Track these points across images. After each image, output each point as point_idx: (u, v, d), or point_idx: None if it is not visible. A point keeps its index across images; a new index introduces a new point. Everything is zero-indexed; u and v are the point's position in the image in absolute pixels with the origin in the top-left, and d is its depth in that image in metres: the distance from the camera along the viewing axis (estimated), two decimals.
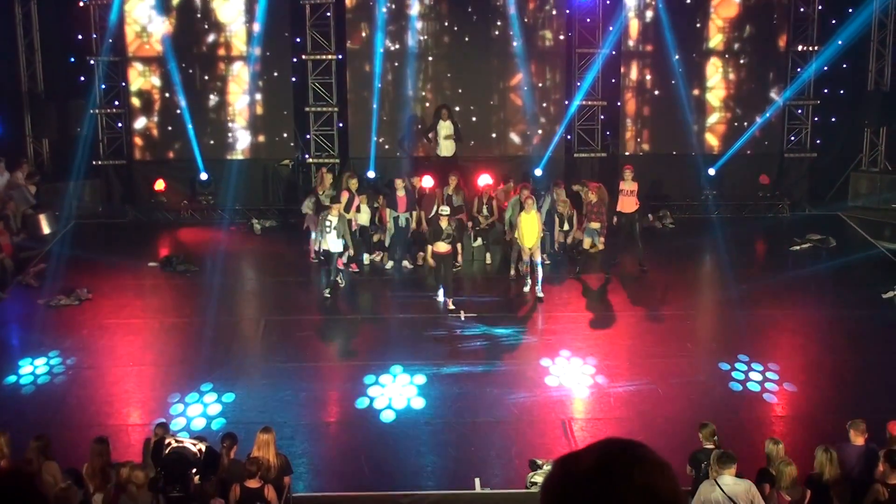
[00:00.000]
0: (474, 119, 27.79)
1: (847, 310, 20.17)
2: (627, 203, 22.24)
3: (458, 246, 20.54)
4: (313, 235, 22.94)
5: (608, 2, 27.26)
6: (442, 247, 19.97)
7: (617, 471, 2.54)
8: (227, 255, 23.34)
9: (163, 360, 18.26)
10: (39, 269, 22.33)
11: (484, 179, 24.77)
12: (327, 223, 20.17)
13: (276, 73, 27.72)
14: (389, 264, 22.94)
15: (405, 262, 22.86)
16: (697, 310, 21.15)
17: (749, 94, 28.24)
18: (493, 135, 28.09)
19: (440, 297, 20.18)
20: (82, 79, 27.43)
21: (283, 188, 27.64)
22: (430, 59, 27.80)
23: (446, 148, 25.74)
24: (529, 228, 20.36)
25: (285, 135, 27.99)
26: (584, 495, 2.52)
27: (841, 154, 28.46)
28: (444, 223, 20.07)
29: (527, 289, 20.83)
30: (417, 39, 27.41)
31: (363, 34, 27.33)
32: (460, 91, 27.73)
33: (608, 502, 2.50)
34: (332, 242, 20.13)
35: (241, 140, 27.94)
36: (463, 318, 18.68)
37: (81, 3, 26.97)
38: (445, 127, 25.62)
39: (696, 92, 27.92)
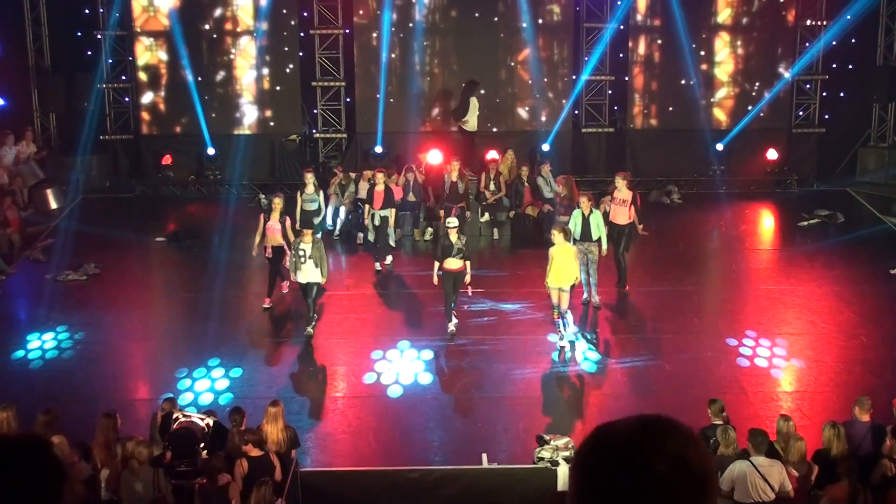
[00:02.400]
0: (482, 94, 27.68)
1: (855, 285, 20.13)
2: (618, 213, 19.64)
3: (468, 264, 17.63)
4: (329, 211, 22.92)
5: None
6: (453, 263, 17.55)
7: (650, 440, 2.59)
8: (234, 229, 23.31)
9: (170, 335, 18.32)
10: (47, 244, 22.37)
11: (491, 154, 24.79)
12: (301, 251, 17.43)
13: (283, 48, 27.67)
14: (378, 266, 21.28)
15: (389, 259, 21.41)
16: (705, 285, 21.14)
17: (757, 69, 28.15)
18: (502, 109, 28.06)
19: (452, 326, 17.84)
20: (89, 53, 27.39)
21: (290, 163, 27.60)
22: (438, 33, 27.72)
23: (476, 124, 25.63)
24: (561, 264, 16.94)
25: (290, 109, 27.97)
26: (616, 461, 2.57)
27: (849, 129, 28.37)
28: (453, 237, 17.59)
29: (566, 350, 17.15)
30: (425, 13, 27.32)
31: (370, 8, 27.24)
32: (468, 66, 27.62)
33: (639, 469, 2.54)
34: (311, 273, 17.49)
35: (248, 115, 27.91)
36: (470, 294, 18.66)
37: None
38: (475, 103, 25.44)
39: (704, 67, 27.83)
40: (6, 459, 2.97)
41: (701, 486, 2.57)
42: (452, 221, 17.92)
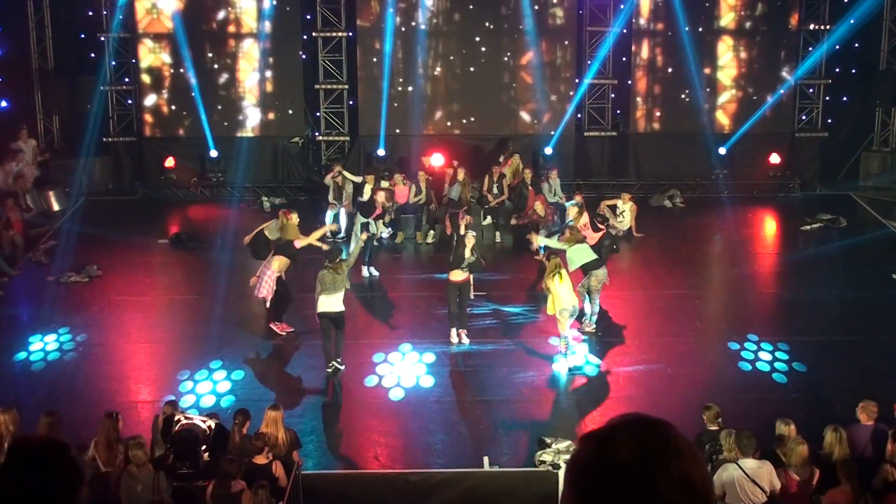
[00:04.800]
0: (484, 97, 27.75)
1: (857, 290, 20.11)
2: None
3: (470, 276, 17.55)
4: (329, 214, 22.96)
5: None
6: (458, 275, 17.29)
7: (655, 462, 2.53)
8: (237, 232, 23.32)
9: (172, 337, 18.29)
10: (49, 246, 22.40)
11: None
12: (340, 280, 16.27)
13: (286, 50, 27.70)
14: (365, 271, 20.80)
15: (373, 270, 21.07)
16: (707, 289, 21.13)
17: (760, 73, 28.15)
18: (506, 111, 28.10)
19: (454, 338, 17.55)
20: (93, 55, 27.47)
21: (293, 166, 27.63)
22: (441, 36, 27.74)
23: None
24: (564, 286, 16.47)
25: (293, 112, 27.99)
26: (621, 485, 2.52)
27: (852, 133, 28.40)
28: (468, 251, 17.19)
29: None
30: (428, 16, 27.36)
31: (374, 11, 27.28)
32: (471, 69, 27.67)
33: (644, 493, 2.50)
34: (339, 301, 16.38)
35: (251, 117, 27.94)
36: (473, 297, 18.64)
37: None
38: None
39: (707, 71, 27.84)
40: (30, 463, 3.17)
41: (689, 454, 2.56)
42: (471, 238, 17.41)
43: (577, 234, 18.01)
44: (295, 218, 18.62)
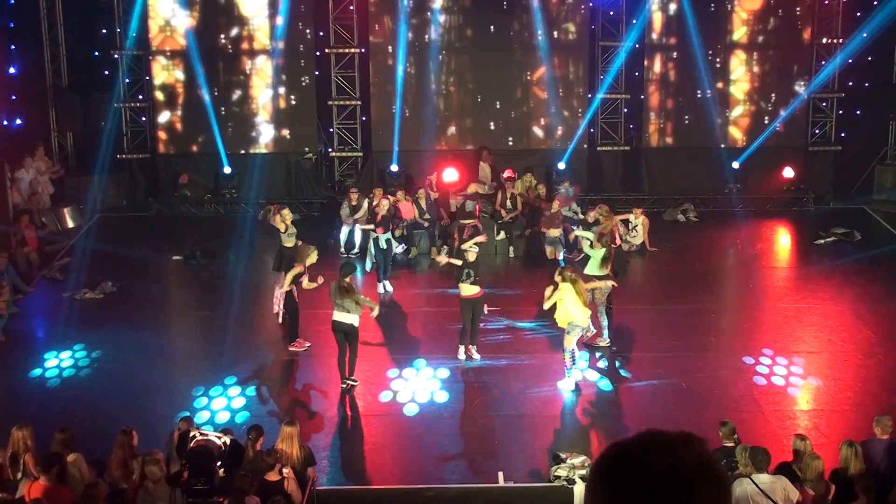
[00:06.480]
0: (497, 112, 27.78)
1: (872, 304, 20.06)
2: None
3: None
4: (343, 230, 23.05)
5: None
6: (470, 289, 17.18)
7: (677, 441, 2.68)
8: (251, 248, 23.38)
9: (187, 354, 18.34)
10: (64, 263, 22.46)
11: (507, 173, 24.85)
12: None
13: (299, 67, 27.76)
14: (381, 287, 20.90)
15: (388, 286, 21.01)
16: (721, 304, 21.07)
17: (773, 87, 28.14)
18: (527, 130, 28.12)
19: (461, 354, 17.59)
20: (106, 72, 27.57)
21: (307, 182, 27.66)
22: (453, 51, 27.79)
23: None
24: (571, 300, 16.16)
25: (306, 128, 28.05)
26: (639, 462, 2.64)
27: (865, 147, 28.34)
28: (471, 256, 17.17)
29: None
30: (440, 32, 27.41)
31: (386, 27, 27.35)
32: (483, 84, 27.71)
33: (671, 460, 2.62)
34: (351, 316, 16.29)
35: (265, 133, 28.01)
36: (486, 312, 18.63)
37: None
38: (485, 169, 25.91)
39: (719, 85, 27.84)
40: None
41: (722, 482, 2.63)
42: (472, 247, 17.36)
43: (605, 239, 18.09)
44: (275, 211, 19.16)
